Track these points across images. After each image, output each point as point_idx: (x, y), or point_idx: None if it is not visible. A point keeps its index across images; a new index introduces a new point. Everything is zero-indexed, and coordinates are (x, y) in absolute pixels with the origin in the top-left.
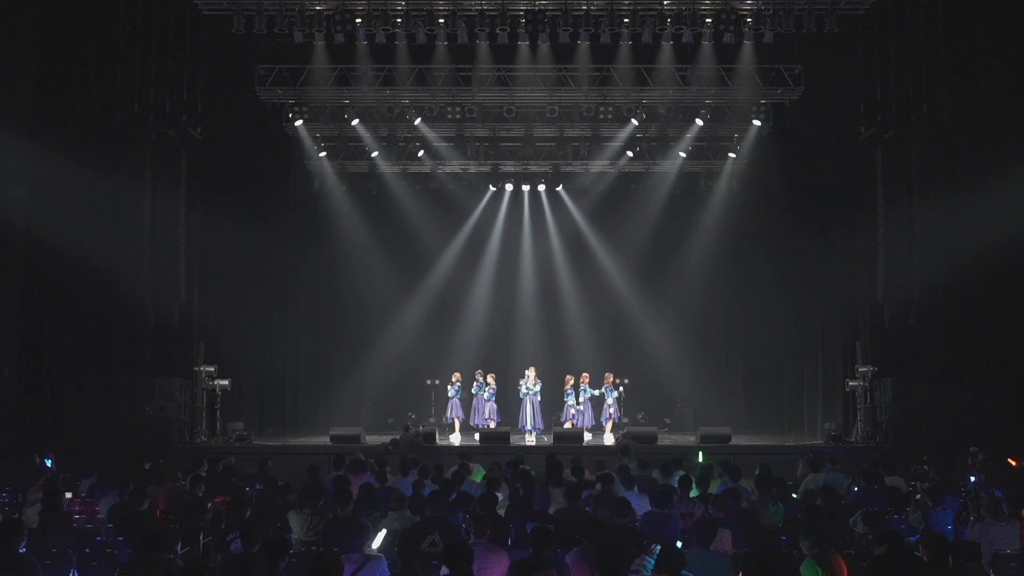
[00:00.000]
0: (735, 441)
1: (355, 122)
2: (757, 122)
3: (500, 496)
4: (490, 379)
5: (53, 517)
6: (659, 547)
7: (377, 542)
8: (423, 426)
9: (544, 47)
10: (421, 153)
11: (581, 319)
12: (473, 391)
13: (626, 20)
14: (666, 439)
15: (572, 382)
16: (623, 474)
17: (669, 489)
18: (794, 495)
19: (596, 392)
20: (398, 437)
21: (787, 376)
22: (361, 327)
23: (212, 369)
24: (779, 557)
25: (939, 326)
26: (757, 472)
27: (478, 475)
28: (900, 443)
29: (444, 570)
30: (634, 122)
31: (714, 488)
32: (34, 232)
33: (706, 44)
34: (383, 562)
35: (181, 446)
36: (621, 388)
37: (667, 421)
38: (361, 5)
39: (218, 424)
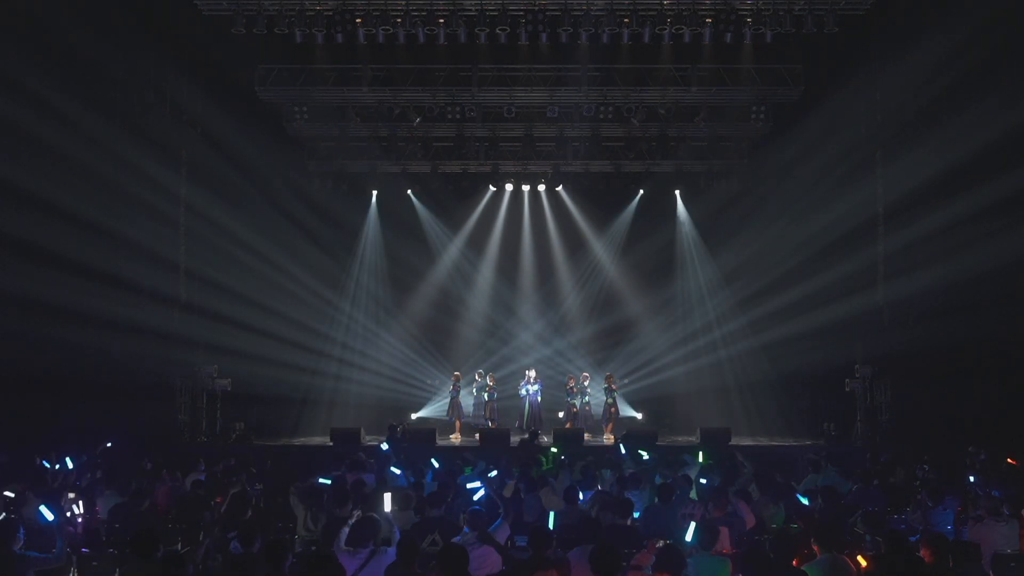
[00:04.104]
0: (735, 441)
1: (355, 122)
2: (757, 122)
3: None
4: (490, 379)
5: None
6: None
7: (387, 504)
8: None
9: (544, 47)
10: (421, 153)
11: (581, 319)
12: (473, 391)
13: (626, 20)
14: (666, 439)
15: (574, 383)
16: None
17: (671, 485)
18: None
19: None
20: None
21: (787, 376)
22: (362, 326)
23: (213, 369)
24: (771, 556)
25: (939, 325)
26: (754, 472)
27: (469, 471)
28: (900, 443)
29: None
30: (634, 122)
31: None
32: (34, 235)
33: (706, 44)
34: (390, 552)
35: (181, 446)
36: (615, 385)
37: (667, 421)
38: (361, 5)
39: (218, 424)
